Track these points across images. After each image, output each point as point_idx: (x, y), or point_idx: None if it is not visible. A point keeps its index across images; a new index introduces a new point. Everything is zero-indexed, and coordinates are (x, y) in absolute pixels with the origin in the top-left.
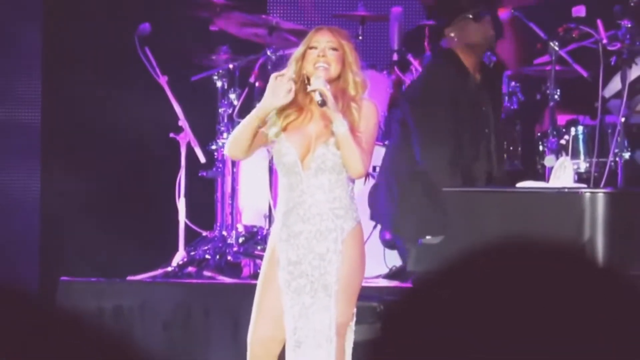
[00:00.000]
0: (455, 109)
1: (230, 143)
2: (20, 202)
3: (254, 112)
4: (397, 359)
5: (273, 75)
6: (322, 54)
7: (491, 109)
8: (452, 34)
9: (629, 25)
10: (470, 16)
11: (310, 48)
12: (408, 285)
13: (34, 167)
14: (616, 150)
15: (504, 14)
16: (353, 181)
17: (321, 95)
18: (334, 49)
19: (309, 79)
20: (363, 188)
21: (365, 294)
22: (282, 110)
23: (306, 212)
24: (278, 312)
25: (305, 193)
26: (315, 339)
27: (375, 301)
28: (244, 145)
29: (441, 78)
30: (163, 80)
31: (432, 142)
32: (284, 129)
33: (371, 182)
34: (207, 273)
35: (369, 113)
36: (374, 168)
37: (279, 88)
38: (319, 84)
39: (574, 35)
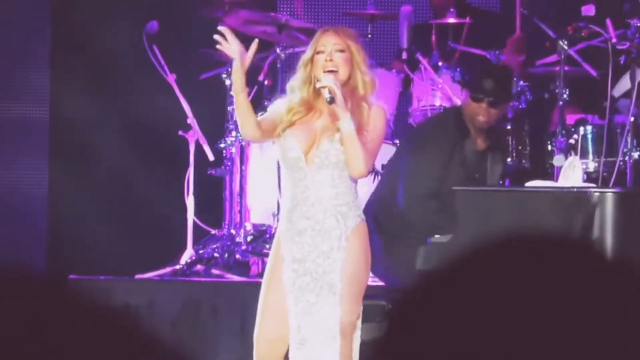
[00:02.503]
0: (448, 160)
1: (239, 124)
2: (28, 200)
3: (232, 82)
4: (404, 358)
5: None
6: (329, 57)
7: (485, 177)
8: (466, 99)
9: (639, 24)
10: (473, 94)
11: (318, 53)
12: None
13: (42, 165)
14: (625, 150)
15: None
16: (356, 180)
17: (330, 92)
18: (341, 51)
19: (317, 78)
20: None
21: (373, 293)
22: (290, 108)
23: (310, 208)
24: (283, 311)
25: (309, 188)
26: (319, 337)
27: (383, 300)
28: (248, 122)
29: (446, 127)
30: (171, 78)
31: (417, 183)
32: (292, 125)
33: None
34: (215, 271)
35: (377, 116)
36: (383, 166)
37: (230, 47)
38: (328, 80)
39: (583, 34)
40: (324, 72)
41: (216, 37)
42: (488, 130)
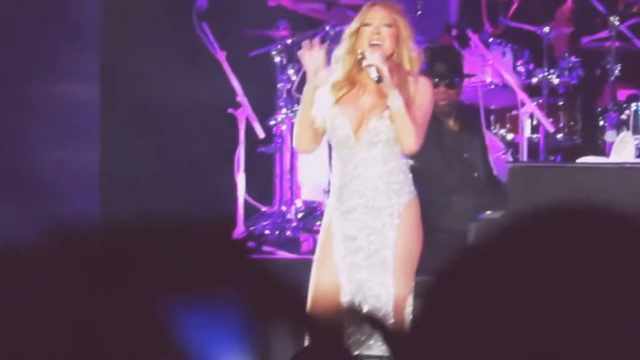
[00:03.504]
0: (439, 151)
1: (296, 137)
2: (78, 179)
3: (302, 99)
4: (454, 334)
5: (300, 54)
6: (376, 31)
7: (474, 154)
8: None
9: None
10: (435, 80)
11: (365, 25)
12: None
13: (93, 144)
14: None
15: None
16: (407, 156)
17: (377, 70)
18: (388, 25)
19: (363, 55)
20: None
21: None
22: (335, 84)
23: (360, 186)
24: (334, 288)
25: (359, 167)
26: (373, 312)
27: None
28: (307, 136)
29: None
30: (221, 55)
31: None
32: (337, 101)
33: None
34: (266, 248)
35: (425, 89)
36: None
37: (311, 61)
38: (375, 58)
39: (634, 10)
40: (370, 45)
41: (305, 43)
42: (456, 111)
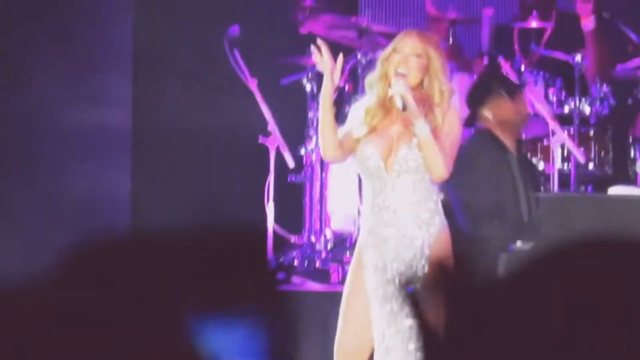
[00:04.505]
0: (498, 181)
1: (321, 145)
2: (110, 207)
3: (320, 101)
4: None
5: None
6: (404, 60)
7: (530, 185)
8: (487, 114)
9: None
10: (505, 95)
11: (395, 52)
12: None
13: (125, 171)
14: None
15: (587, 23)
16: (438, 185)
17: (402, 99)
18: (418, 56)
19: (390, 84)
20: None
21: None
22: (368, 110)
23: (391, 216)
24: (364, 321)
25: (390, 196)
26: (404, 345)
27: None
28: (331, 143)
29: (482, 152)
30: (252, 83)
31: (475, 206)
32: (370, 132)
33: None
34: (295, 279)
35: (452, 117)
36: None
37: (324, 61)
38: (399, 87)
39: None
40: (395, 74)
41: (313, 48)
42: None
